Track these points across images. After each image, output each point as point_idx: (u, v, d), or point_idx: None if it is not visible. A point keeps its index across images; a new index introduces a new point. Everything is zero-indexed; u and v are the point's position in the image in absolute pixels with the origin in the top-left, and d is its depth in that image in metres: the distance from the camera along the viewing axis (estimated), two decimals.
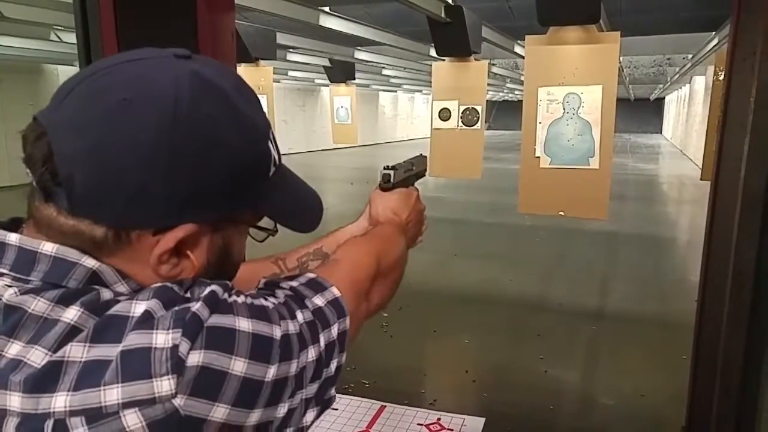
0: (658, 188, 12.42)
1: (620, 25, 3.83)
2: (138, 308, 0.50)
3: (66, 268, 0.52)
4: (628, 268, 5.92)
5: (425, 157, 1.13)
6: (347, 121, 8.80)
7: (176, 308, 0.50)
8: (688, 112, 19.36)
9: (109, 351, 0.47)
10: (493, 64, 10.00)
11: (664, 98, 29.39)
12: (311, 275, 0.64)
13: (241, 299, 0.54)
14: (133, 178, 0.50)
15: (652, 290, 5.09)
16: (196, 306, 0.50)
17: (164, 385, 0.46)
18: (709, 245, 1.11)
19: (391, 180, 0.99)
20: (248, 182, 0.57)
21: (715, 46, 7.66)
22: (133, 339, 0.48)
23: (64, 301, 0.50)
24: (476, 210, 9.06)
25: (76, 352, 0.47)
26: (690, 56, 10.36)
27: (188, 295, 0.53)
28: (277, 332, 0.53)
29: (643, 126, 30.60)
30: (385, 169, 1.00)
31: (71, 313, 0.49)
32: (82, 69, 0.57)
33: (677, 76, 14.70)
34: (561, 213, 3.29)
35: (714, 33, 7.32)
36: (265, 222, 0.64)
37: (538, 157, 3.24)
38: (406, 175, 1.03)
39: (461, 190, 10.20)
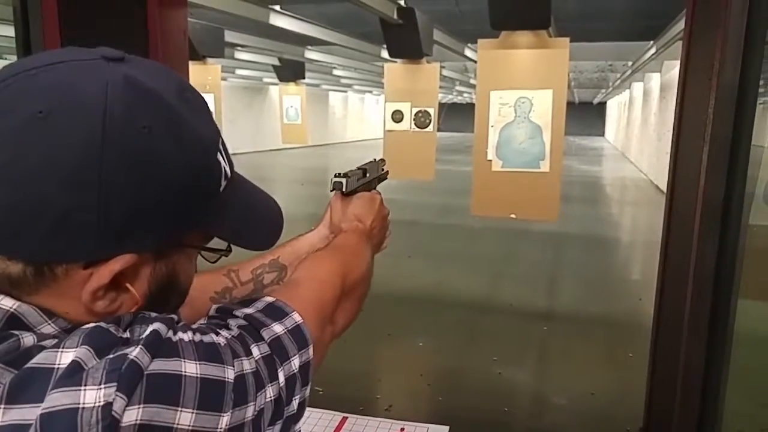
0: (602, 190, 12.87)
1: (566, 31, 3.93)
2: (64, 358, 0.42)
3: None
4: (575, 268, 6.10)
5: (382, 160, 1.06)
6: (297, 121, 8.71)
7: (111, 356, 0.42)
8: (628, 116, 20.16)
9: (28, 414, 0.40)
10: (444, 67, 10.13)
11: (606, 102, 30.52)
12: (269, 299, 0.57)
13: (187, 337, 0.47)
14: (55, 206, 0.42)
15: (597, 290, 5.26)
16: (134, 352, 0.43)
17: None
18: (666, 252, 1.15)
19: (344, 189, 0.90)
20: (194, 202, 0.50)
21: (653, 54, 8.03)
22: (56, 398, 0.40)
23: None
24: (428, 211, 9.14)
25: None
26: (630, 63, 10.82)
27: (127, 335, 0.46)
28: (229, 374, 0.46)
29: (587, 129, 31.64)
30: (336, 176, 0.91)
31: None
32: None
33: (618, 81, 15.33)
34: (512, 216, 3.36)
35: (652, 42, 7.67)
36: (217, 241, 0.58)
37: (490, 160, 3.29)
38: (360, 183, 0.94)
39: (413, 191, 10.26)
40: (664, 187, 1.24)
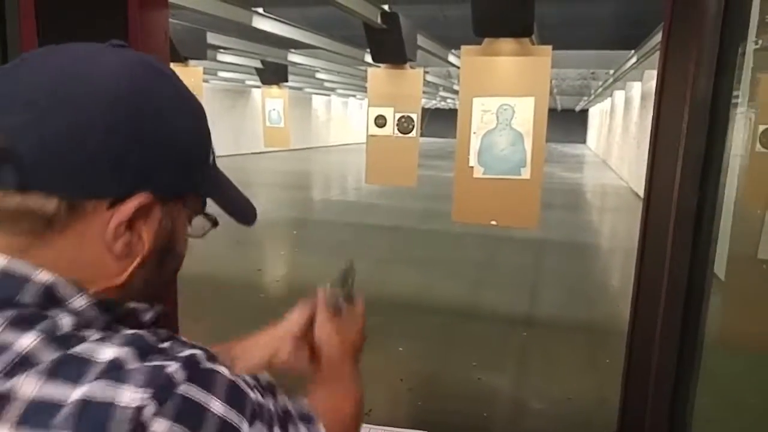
0: (583, 197, 13.02)
1: (549, 39, 3.99)
2: (106, 353, 0.46)
3: (17, 284, 0.49)
4: (556, 275, 6.17)
5: (351, 261, 0.97)
6: (279, 124, 8.68)
7: (151, 365, 0.46)
8: (609, 124, 20.44)
9: (65, 393, 0.43)
10: (427, 72, 10.18)
11: (588, 110, 30.91)
12: (306, 405, 0.63)
13: (225, 373, 0.51)
14: (88, 141, 0.48)
15: (577, 296, 5.32)
16: (172, 367, 0.47)
17: None
18: (642, 261, 1.17)
19: (342, 310, 0.82)
20: (196, 159, 0.57)
21: (634, 63, 8.17)
22: (97, 389, 0.43)
23: (19, 324, 0.46)
24: (410, 216, 9.17)
25: (29, 384, 0.43)
26: (612, 72, 10.99)
27: (165, 345, 0.49)
28: (244, 427, 0.49)
29: (569, 136, 32.01)
30: (330, 292, 0.82)
31: (27, 341, 0.45)
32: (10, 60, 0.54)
33: (600, 89, 15.56)
34: (493, 222, 3.39)
35: (633, 51, 7.81)
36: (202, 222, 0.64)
37: (472, 166, 3.32)
38: (346, 290, 0.86)
39: (396, 196, 10.29)
40: (643, 194, 1.27)
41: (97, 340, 0.47)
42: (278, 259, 6.91)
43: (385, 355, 3.83)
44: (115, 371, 0.45)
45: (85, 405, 0.43)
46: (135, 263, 0.54)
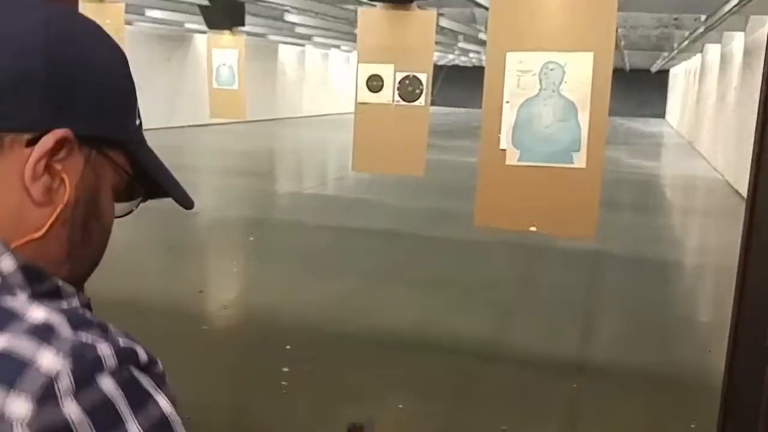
0: (660, 193, 13.08)
1: None
2: (37, 314, 0.57)
3: None
4: (618, 304, 6.18)
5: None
6: (232, 86, 8.69)
7: (82, 339, 0.56)
8: (698, 91, 20.52)
9: None
10: (442, 14, 10.20)
11: (668, 71, 31.02)
12: None
13: (164, 406, 0.59)
14: (9, 71, 0.62)
15: (648, 334, 5.33)
16: (105, 350, 0.56)
17: (20, 405, 0.51)
18: (744, 284, 1.16)
19: None
20: (118, 104, 0.71)
21: (734, 6, 8.21)
22: (20, 344, 0.54)
23: None
24: (414, 218, 9.18)
25: None
26: (703, 18, 11.03)
27: (103, 326, 0.60)
28: None
29: (641, 107, 32.15)
30: None
31: None
32: None
33: (686, 42, 15.61)
34: (533, 228, 3.39)
35: None
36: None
37: (504, 149, 3.32)
38: None
39: (395, 190, 10.30)
40: (746, 191, 1.27)
41: (28, 299, 0.59)
42: (227, 277, 6.91)
43: (378, 413, 3.83)
44: (42, 332, 0.55)
45: (5, 357, 0.53)
46: (56, 213, 0.66)
